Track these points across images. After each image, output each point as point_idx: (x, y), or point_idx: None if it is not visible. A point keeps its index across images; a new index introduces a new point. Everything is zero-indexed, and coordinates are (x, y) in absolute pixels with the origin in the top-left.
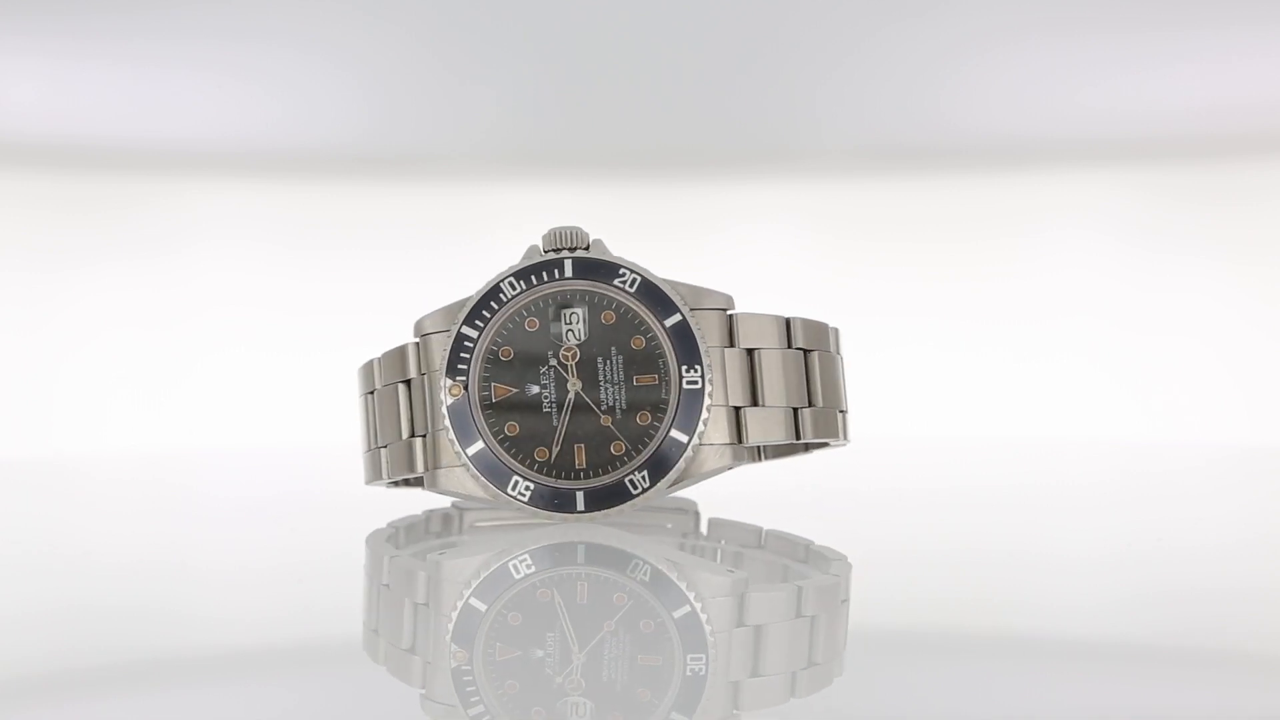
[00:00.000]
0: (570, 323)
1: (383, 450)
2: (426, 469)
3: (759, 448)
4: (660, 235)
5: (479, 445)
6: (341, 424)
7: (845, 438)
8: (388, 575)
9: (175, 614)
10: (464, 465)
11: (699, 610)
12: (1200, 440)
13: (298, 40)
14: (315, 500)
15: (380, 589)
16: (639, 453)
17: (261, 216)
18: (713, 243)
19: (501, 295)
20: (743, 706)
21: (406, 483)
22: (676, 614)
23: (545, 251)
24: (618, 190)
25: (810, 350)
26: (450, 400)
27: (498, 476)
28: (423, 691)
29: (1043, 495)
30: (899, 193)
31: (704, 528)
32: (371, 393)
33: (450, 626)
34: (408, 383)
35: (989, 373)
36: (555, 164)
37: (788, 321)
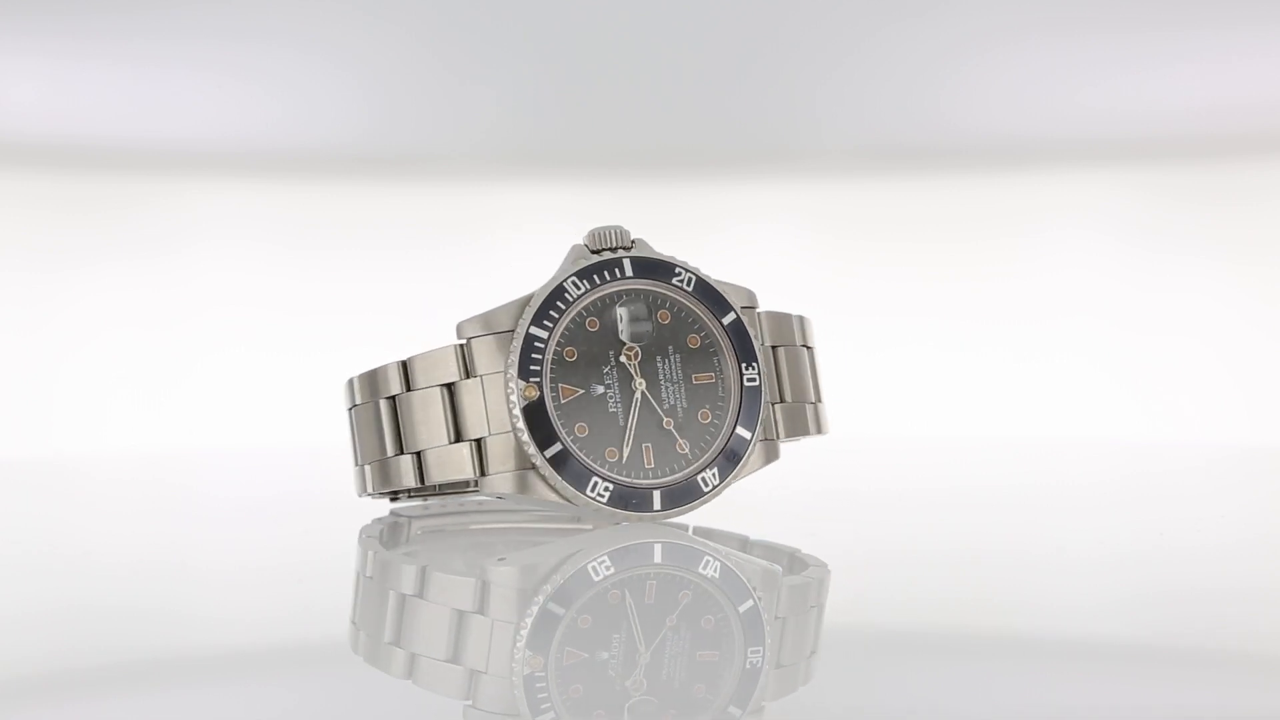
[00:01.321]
0: (633, 321)
1: (416, 456)
2: (483, 473)
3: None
4: (660, 235)
5: (558, 447)
6: (341, 424)
7: (819, 430)
8: (418, 585)
9: (174, 614)
10: (534, 468)
11: (759, 604)
12: (1200, 440)
13: (298, 40)
14: (315, 500)
15: (404, 599)
16: (704, 450)
17: (261, 216)
18: (713, 243)
19: (566, 295)
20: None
21: (418, 493)
22: (742, 608)
23: (593, 251)
24: (618, 190)
25: (776, 346)
26: (525, 402)
27: (577, 478)
28: (469, 703)
29: (1043, 495)
30: (899, 193)
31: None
32: (393, 398)
33: (524, 634)
34: (449, 386)
35: (989, 373)
36: (555, 164)
37: (758, 316)
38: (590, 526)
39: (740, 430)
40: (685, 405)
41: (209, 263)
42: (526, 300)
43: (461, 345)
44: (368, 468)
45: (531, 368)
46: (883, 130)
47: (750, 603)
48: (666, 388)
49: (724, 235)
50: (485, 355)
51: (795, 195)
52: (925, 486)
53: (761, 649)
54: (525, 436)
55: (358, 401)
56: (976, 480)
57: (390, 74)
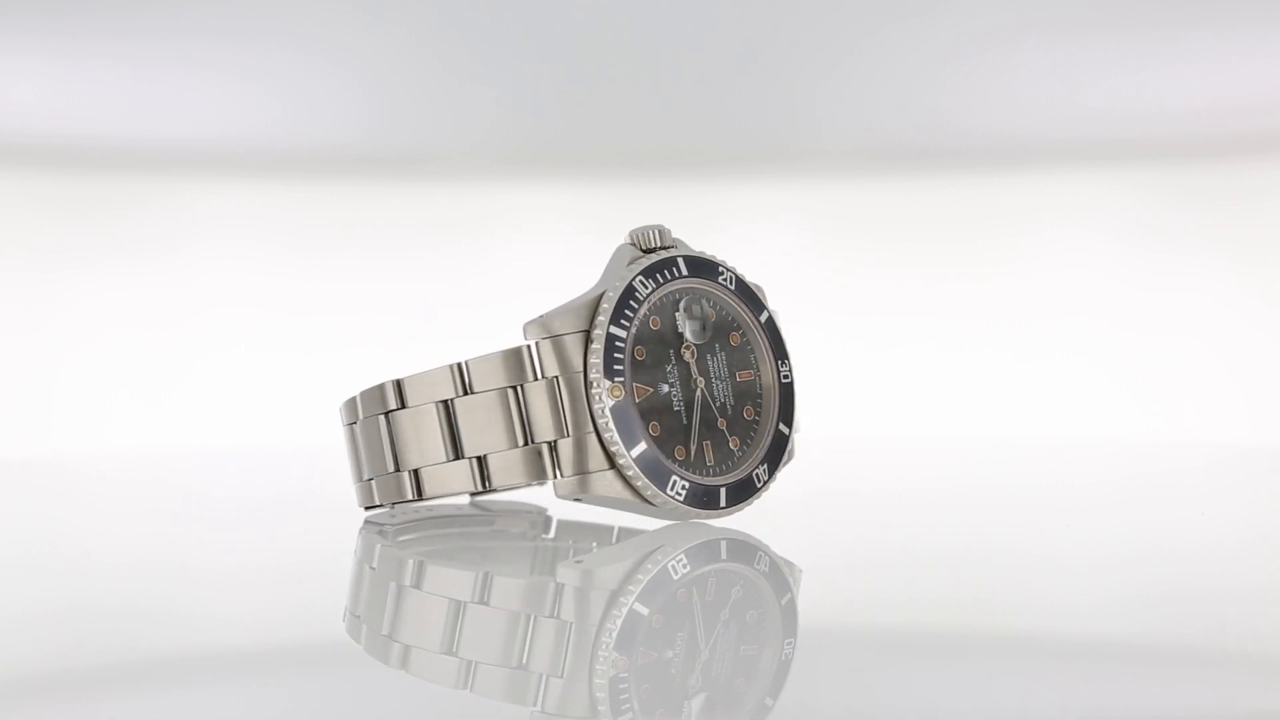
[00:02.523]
0: (693, 319)
1: (484, 459)
2: (559, 475)
3: None
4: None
5: (642, 446)
6: (339, 423)
7: None
8: (480, 592)
9: (174, 614)
10: (614, 469)
11: (797, 597)
12: (1200, 440)
13: (298, 40)
14: (314, 500)
15: (462, 606)
16: (751, 447)
17: (261, 216)
18: (713, 243)
19: (637, 294)
20: None
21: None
22: (783, 601)
23: (645, 250)
24: (618, 190)
25: None
26: (613, 401)
27: (659, 477)
28: (536, 709)
29: (1043, 495)
30: (899, 193)
31: (553, 530)
32: (446, 402)
33: (614, 635)
34: (515, 389)
35: (989, 373)
36: (555, 164)
37: None
38: (550, 536)
39: (781, 426)
40: (733, 403)
41: (209, 263)
42: (594, 301)
43: (530, 347)
44: (424, 471)
45: (615, 368)
46: (883, 130)
47: (789, 596)
48: (716, 385)
49: (724, 235)
50: (556, 357)
51: (795, 195)
52: (925, 486)
53: (794, 640)
54: (614, 436)
55: (407, 405)
56: (976, 480)
57: (390, 74)
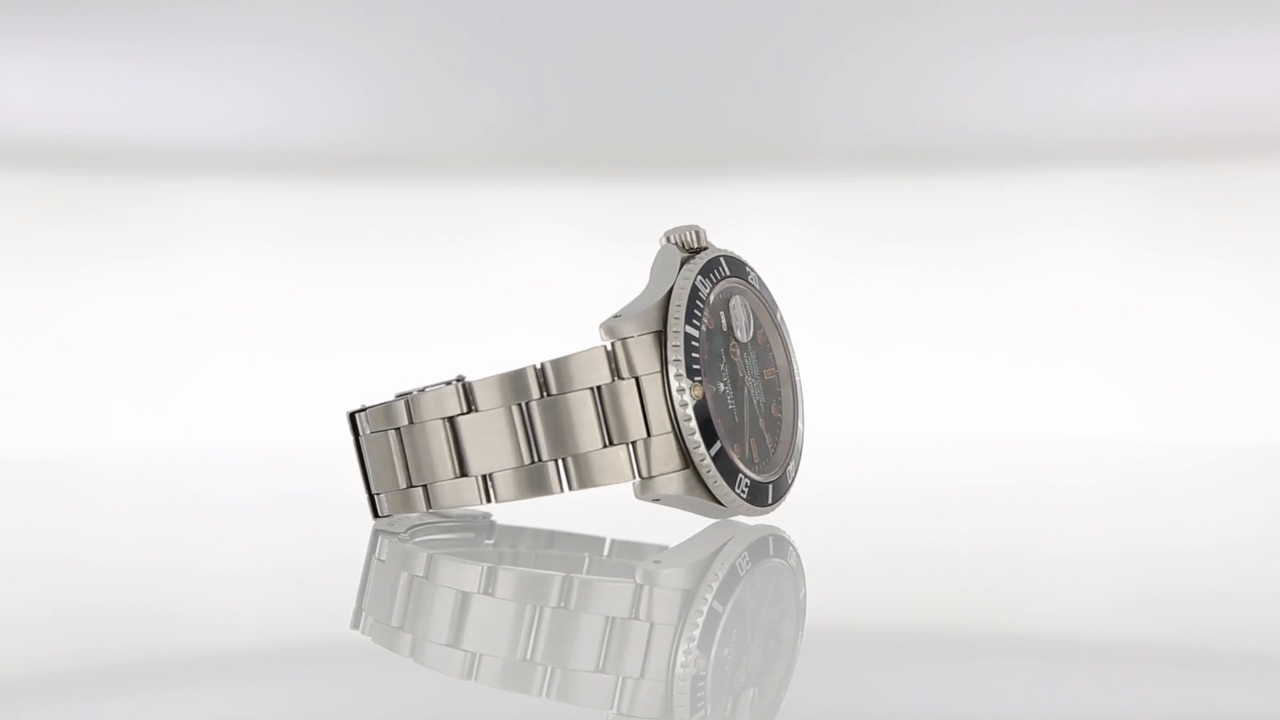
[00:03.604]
0: (738, 318)
1: (562, 461)
2: (649, 474)
3: None
4: (660, 235)
5: (718, 445)
6: (339, 423)
7: None
8: (561, 595)
9: (175, 614)
10: (691, 468)
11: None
12: (1200, 440)
13: (298, 40)
14: (314, 500)
15: (546, 611)
16: (781, 444)
17: (261, 216)
18: (713, 243)
19: (700, 294)
20: None
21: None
22: (800, 595)
23: (692, 251)
24: (618, 190)
25: None
26: (694, 401)
27: (730, 476)
28: (613, 711)
29: (1043, 495)
30: (899, 193)
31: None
32: (527, 403)
33: (697, 634)
34: (597, 390)
35: (989, 372)
36: (556, 164)
37: None
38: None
39: (800, 424)
40: (763, 400)
41: (209, 263)
42: (662, 301)
43: (613, 345)
44: (508, 474)
45: (694, 367)
46: (882, 130)
47: (804, 590)
48: (752, 383)
49: (724, 235)
50: (638, 358)
51: (795, 195)
52: (925, 486)
53: (802, 632)
54: (697, 436)
55: (478, 408)
56: (976, 480)
57: (390, 74)
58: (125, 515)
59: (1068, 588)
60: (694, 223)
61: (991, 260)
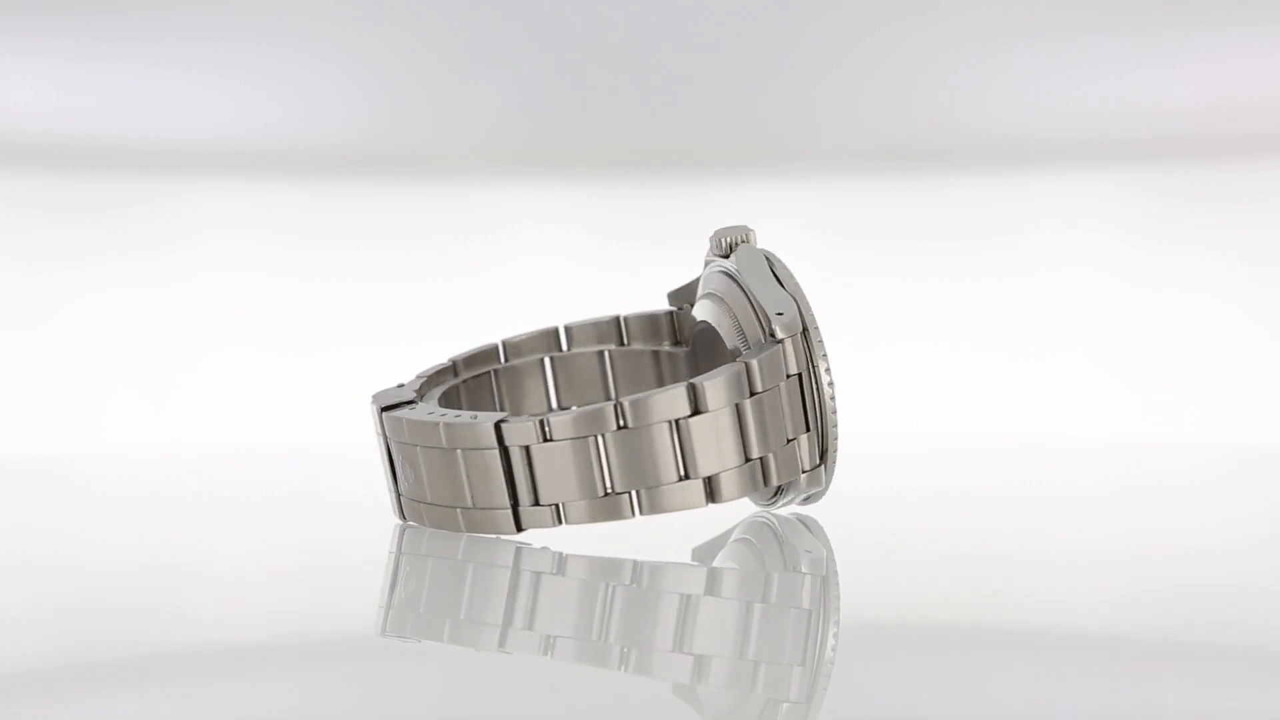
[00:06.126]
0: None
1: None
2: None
3: None
4: (660, 235)
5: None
6: (339, 423)
7: None
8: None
9: (174, 614)
10: (823, 464)
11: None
12: (1200, 440)
13: (298, 40)
14: (314, 500)
15: (688, 599)
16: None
17: (261, 216)
18: None
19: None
20: None
21: None
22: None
23: (727, 248)
24: (618, 190)
25: None
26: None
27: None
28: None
29: (1043, 495)
30: (899, 193)
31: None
32: (673, 421)
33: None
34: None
35: (989, 372)
36: (556, 164)
37: None
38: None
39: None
40: None
41: (209, 263)
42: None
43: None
44: (643, 493)
45: None
46: (882, 130)
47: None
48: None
49: None
50: (792, 355)
51: (795, 195)
52: (925, 486)
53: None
54: (837, 431)
55: (628, 425)
56: (976, 480)
57: (390, 74)
58: (125, 515)
59: (1067, 587)
60: (743, 223)
61: (991, 260)
